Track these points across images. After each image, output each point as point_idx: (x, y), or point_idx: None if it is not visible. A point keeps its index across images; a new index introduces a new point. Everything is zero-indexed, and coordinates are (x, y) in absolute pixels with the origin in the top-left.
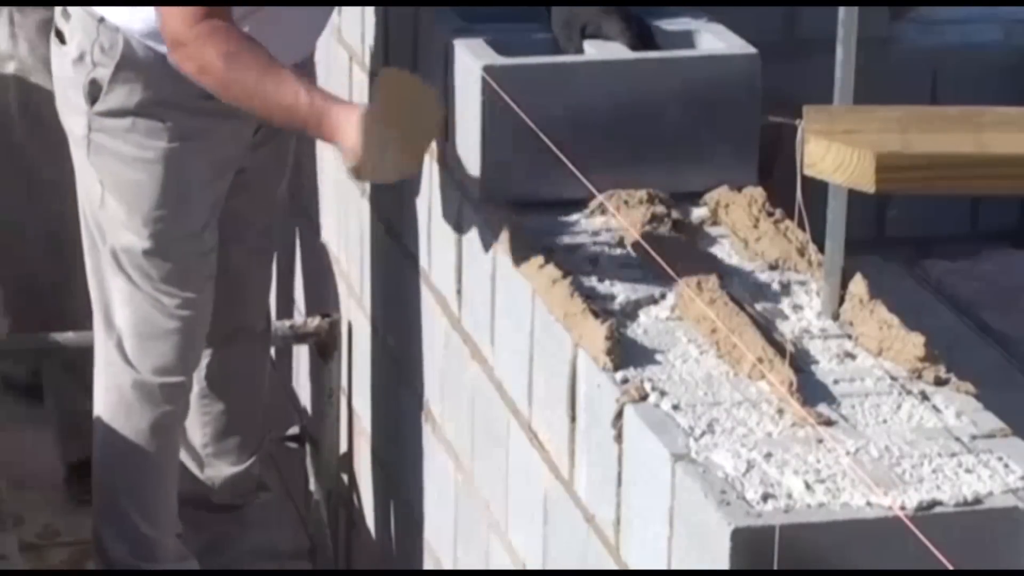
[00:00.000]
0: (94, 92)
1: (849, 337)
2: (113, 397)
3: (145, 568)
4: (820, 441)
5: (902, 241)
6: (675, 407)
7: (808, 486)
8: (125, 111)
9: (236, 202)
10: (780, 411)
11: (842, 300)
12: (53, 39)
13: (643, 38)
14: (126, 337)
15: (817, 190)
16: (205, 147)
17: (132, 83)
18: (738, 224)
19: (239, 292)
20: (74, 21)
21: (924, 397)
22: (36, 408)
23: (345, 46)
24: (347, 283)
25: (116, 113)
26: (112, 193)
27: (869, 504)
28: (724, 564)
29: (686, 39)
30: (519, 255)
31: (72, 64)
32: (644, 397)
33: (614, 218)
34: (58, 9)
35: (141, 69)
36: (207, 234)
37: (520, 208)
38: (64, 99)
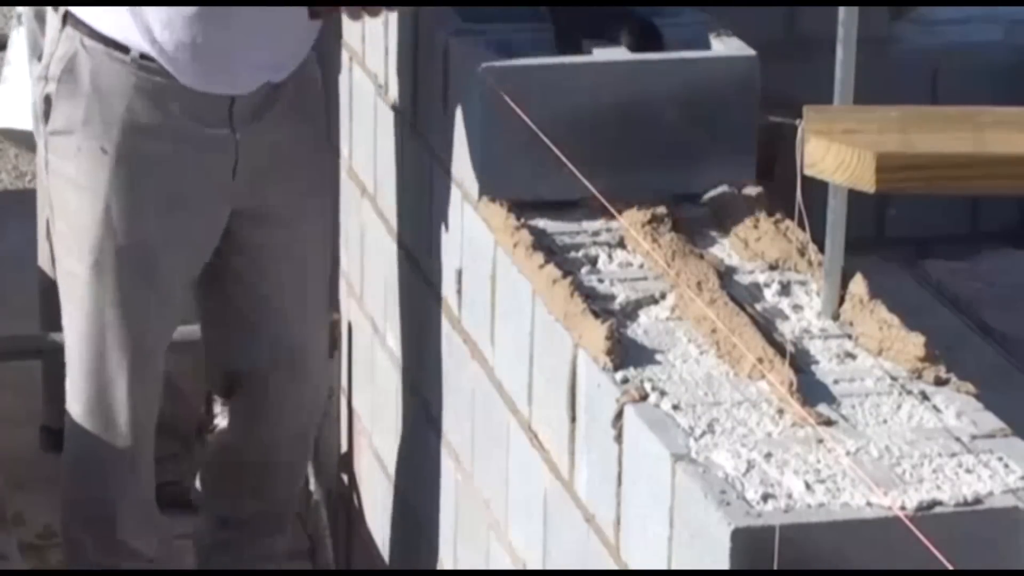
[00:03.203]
0: (47, 109)
1: (849, 337)
2: (75, 408)
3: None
4: (820, 441)
5: (902, 241)
6: (675, 407)
7: (808, 486)
8: (70, 131)
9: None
10: (780, 411)
11: (842, 300)
12: (34, 60)
13: (648, 39)
14: (71, 362)
15: (817, 190)
16: (159, 178)
17: (76, 98)
18: (738, 224)
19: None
20: (48, 34)
21: (924, 397)
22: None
23: (346, 47)
24: (347, 283)
25: (63, 132)
26: (61, 218)
27: (869, 504)
28: (724, 564)
29: (686, 40)
30: (519, 255)
31: (36, 80)
32: (644, 397)
33: (614, 218)
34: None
35: (89, 82)
36: (166, 282)
37: (520, 208)
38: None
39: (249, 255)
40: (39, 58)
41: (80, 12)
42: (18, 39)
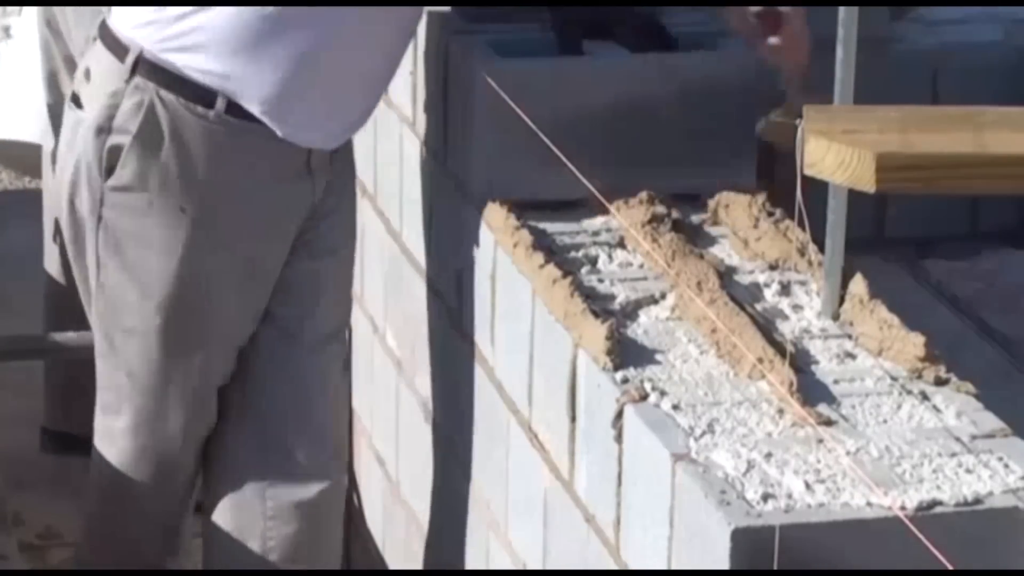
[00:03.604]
0: (111, 163)
1: (849, 337)
2: (126, 450)
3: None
4: (820, 441)
5: (902, 241)
6: (675, 407)
7: (808, 486)
8: (142, 188)
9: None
10: (780, 411)
11: (842, 300)
12: (68, 104)
13: (654, 37)
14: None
15: (817, 190)
16: (239, 241)
17: (153, 154)
18: (738, 224)
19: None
20: (97, 81)
21: (924, 397)
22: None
23: None
24: None
25: (131, 188)
26: (119, 274)
27: (869, 504)
28: (724, 564)
29: (686, 40)
30: (519, 255)
31: (88, 131)
32: (644, 397)
33: (614, 218)
34: (79, 71)
35: (167, 138)
36: (234, 335)
37: (520, 208)
38: (70, 166)
39: (297, 281)
40: (76, 104)
41: (167, 61)
42: (6, 52)
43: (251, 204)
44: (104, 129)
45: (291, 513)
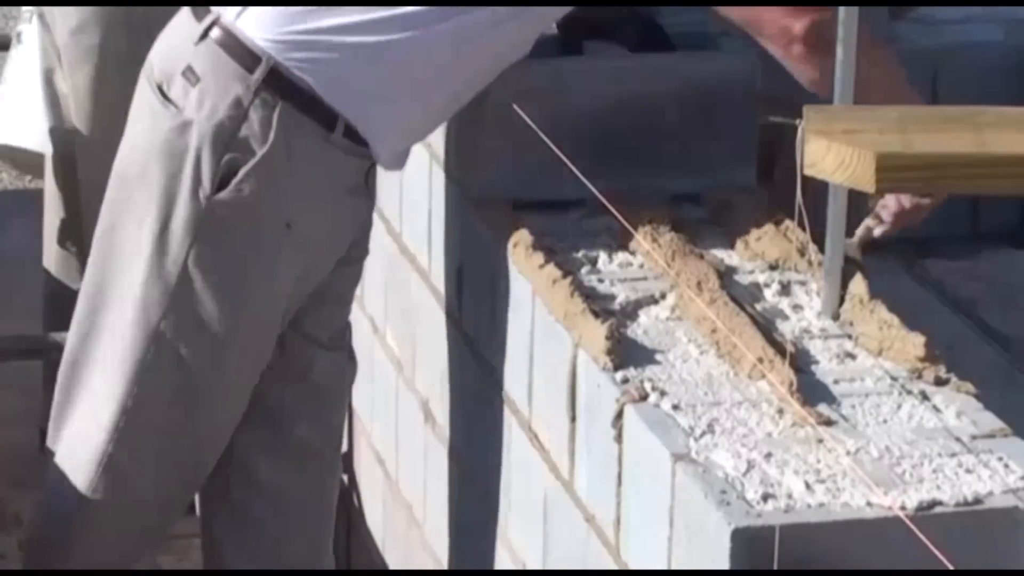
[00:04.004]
0: (226, 176)
1: (849, 337)
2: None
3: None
4: (820, 441)
5: (902, 241)
6: (675, 407)
7: (808, 486)
8: (255, 204)
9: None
10: (780, 411)
11: (842, 300)
12: (158, 101)
13: (653, 38)
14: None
15: (817, 190)
16: (316, 254)
17: (274, 171)
18: (738, 224)
19: None
20: (212, 87)
21: (924, 397)
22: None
23: None
24: None
25: (243, 204)
26: (206, 288)
27: (869, 504)
28: (724, 564)
29: (686, 40)
30: (519, 255)
31: (203, 140)
32: (644, 397)
33: (614, 218)
34: (169, 62)
35: (288, 156)
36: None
37: (520, 208)
38: (161, 169)
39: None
40: (164, 97)
41: (300, 79)
42: (18, 58)
43: (333, 218)
44: (224, 142)
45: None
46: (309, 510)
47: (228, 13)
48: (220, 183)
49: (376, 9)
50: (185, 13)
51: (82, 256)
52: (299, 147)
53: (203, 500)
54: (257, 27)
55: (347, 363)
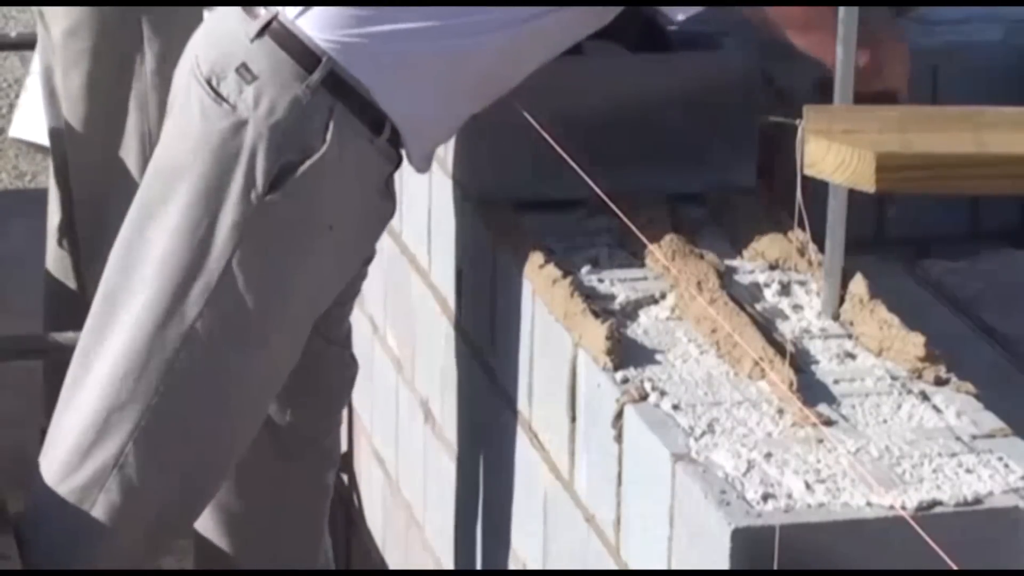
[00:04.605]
0: (279, 176)
1: (849, 337)
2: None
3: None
4: (820, 441)
5: (902, 241)
6: (675, 407)
7: (808, 486)
8: (303, 204)
9: None
10: (780, 411)
11: (842, 300)
12: (208, 96)
13: (652, 38)
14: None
15: (817, 190)
16: (348, 255)
17: (325, 172)
18: (738, 224)
19: None
20: (268, 86)
21: (924, 397)
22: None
23: None
24: None
25: (293, 207)
26: (247, 289)
27: (869, 504)
28: (724, 564)
29: (686, 39)
30: (519, 255)
31: (259, 140)
32: (644, 397)
33: (614, 218)
34: (222, 56)
35: (338, 158)
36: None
37: (520, 208)
38: (212, 164)
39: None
40: (215, 92)
41: (358, 80)
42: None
43: (367, 220)
44: (280, 143)
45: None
46: (305, 503)
47: (288, 11)
48: (272, 184)
49: (436, 15)
50: (231, 10)
51: (76, 256)
52: (349, 150)
53: None
54: (318, 27)
55: (351, 361)
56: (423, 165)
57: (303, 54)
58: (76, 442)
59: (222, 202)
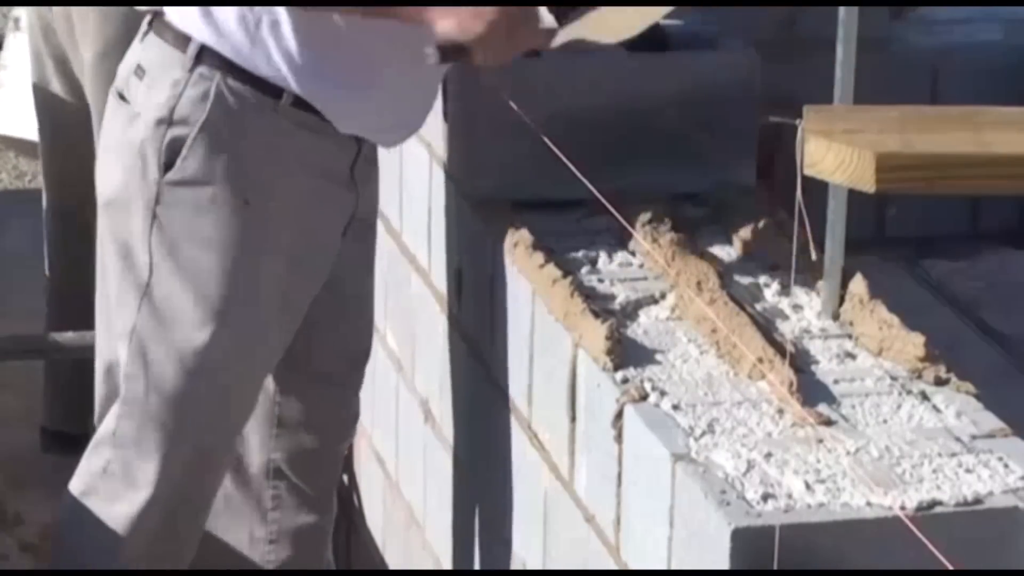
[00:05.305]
0: (171, 156)
1: (849, 337)
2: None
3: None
4: (820, 441)
5: (902, 241)
6: (675, 407)
7: (808, 486)
8: (206, 182)
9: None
10: (780, 411)
11: (842, 300)
12: (116, 102)
13: (652, 40)
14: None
15: (817, 190)
16: (289, 234)
17: (219, 146)
18: (738, 224)
19: None
20: (154, 74)
21: (924, 397)
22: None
23: None
24: None
25: (194, 183)
26: (173, 277)
27: (869, 504)
28: (724, 564)
29: (686, 40)
30: (519, 255)
31: (146, 124)
32: (644, 397)
33: (614, 218)
34: (126, 69)
35: (234, 128)
36: (286, 331)
37: (520, 208)
38: (119, 165)
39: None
40: (122, 98)
41: (228, 51)
42: (15, 44)
43: (306, 201)
44: (165, 121)
45: (291, 539)
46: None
47: (166, 8)
48: (167, 164)
49: None
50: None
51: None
52: (247, 120)
53: None
54: (188, 12)
55: (346, 402)
56: (384, 139)
57: (178, 38)
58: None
59: (131, 194)
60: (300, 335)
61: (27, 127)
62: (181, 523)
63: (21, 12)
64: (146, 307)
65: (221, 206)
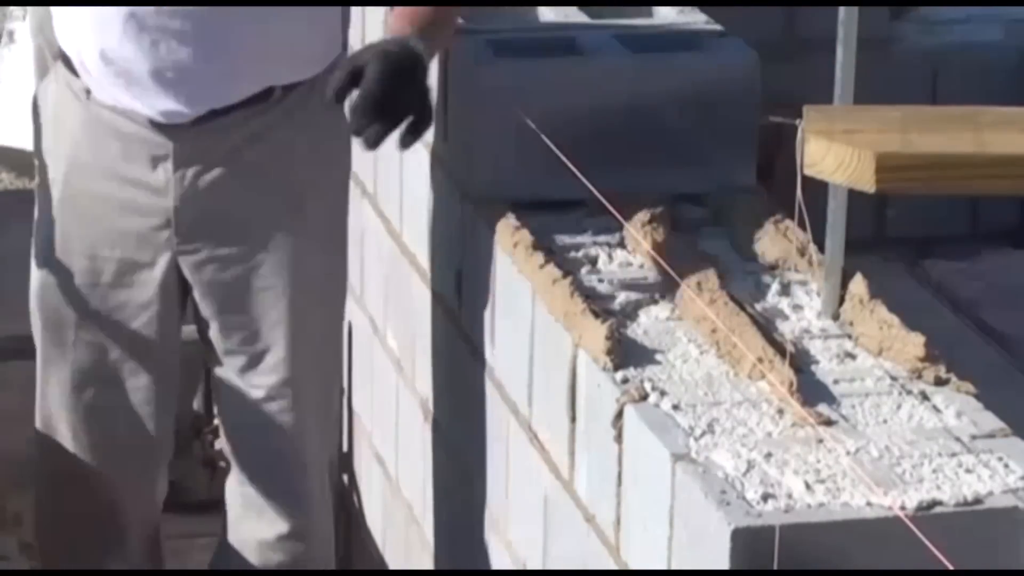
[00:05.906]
0: None
1: (849, 337)
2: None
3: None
4: (820, 441)
5: (902, 241)
6: (675, 407)
7: (808, 486)
8: (37, 158)
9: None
10: (780, 411)
11: (842, 300)
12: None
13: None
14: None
15: (817, 190)
16: (91, 219)
17: (42, 123)
18: (738, 224)
19: None
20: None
21: (924, 397)
22: None
23: (347, 48)
24: (348, 283)
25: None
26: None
27: (869, 504)
28: (724, 564)
29: (686, 39)
30: (519, 255)
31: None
32: (644, 397)
33: (614, 218)
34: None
35: (51, 106)
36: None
37: (520, 208)
38: None
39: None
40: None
41: (56, 29)
42: (10, 57)
43: (103, 183)
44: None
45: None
46: None
47: None
48: None
49: None
50: None
51: None
52: (60, 99)
53: None
54: None
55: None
56: (108, 95)
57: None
58: None
59: None
60: None
61: (13, 136)
62: None
63: (15, 25)
64: None
65: (40, 186)
